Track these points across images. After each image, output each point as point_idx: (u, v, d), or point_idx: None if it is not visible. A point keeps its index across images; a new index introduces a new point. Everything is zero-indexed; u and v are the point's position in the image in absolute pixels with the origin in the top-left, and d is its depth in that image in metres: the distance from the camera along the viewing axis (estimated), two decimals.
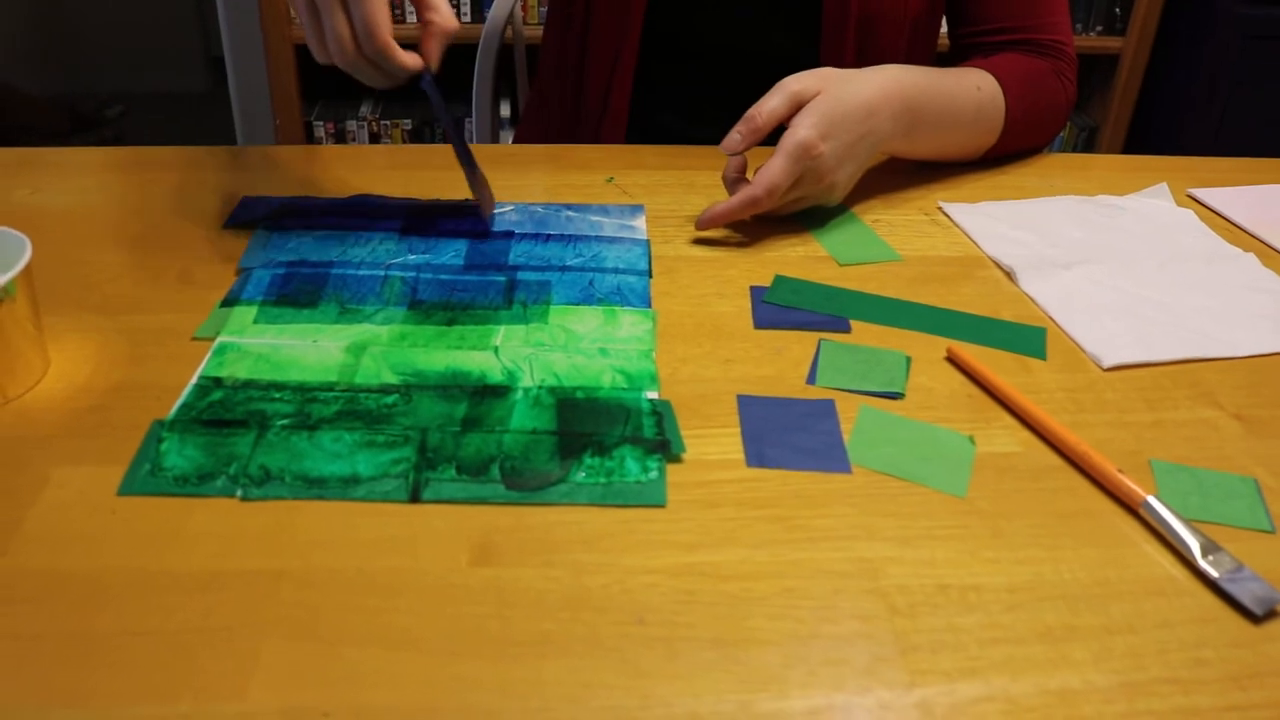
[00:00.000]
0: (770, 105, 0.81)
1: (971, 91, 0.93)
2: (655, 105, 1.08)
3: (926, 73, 0.90)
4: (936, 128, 0.91)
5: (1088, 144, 2.46)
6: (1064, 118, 1.03)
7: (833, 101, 0.81)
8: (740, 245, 0.82)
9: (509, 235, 0.81)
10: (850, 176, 0.85)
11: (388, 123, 2.28)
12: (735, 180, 0.84)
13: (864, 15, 0.99)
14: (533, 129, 1.20)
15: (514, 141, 1.25)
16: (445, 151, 0.97)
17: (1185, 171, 1.00)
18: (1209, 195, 0.95)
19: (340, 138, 2.29)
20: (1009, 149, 0.99)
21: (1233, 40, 2.10)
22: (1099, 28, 2.23)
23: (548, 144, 1.13)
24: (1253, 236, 0.89)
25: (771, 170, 0.79)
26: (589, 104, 1.07)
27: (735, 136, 0.81)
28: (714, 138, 0.84)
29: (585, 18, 1.04)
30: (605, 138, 1.07)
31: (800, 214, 0.87)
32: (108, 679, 0.44)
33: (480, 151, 0.98)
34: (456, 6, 2.11)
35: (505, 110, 2.02)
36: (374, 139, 2.28)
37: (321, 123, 2.27)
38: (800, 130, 0.79)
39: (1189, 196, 0.96)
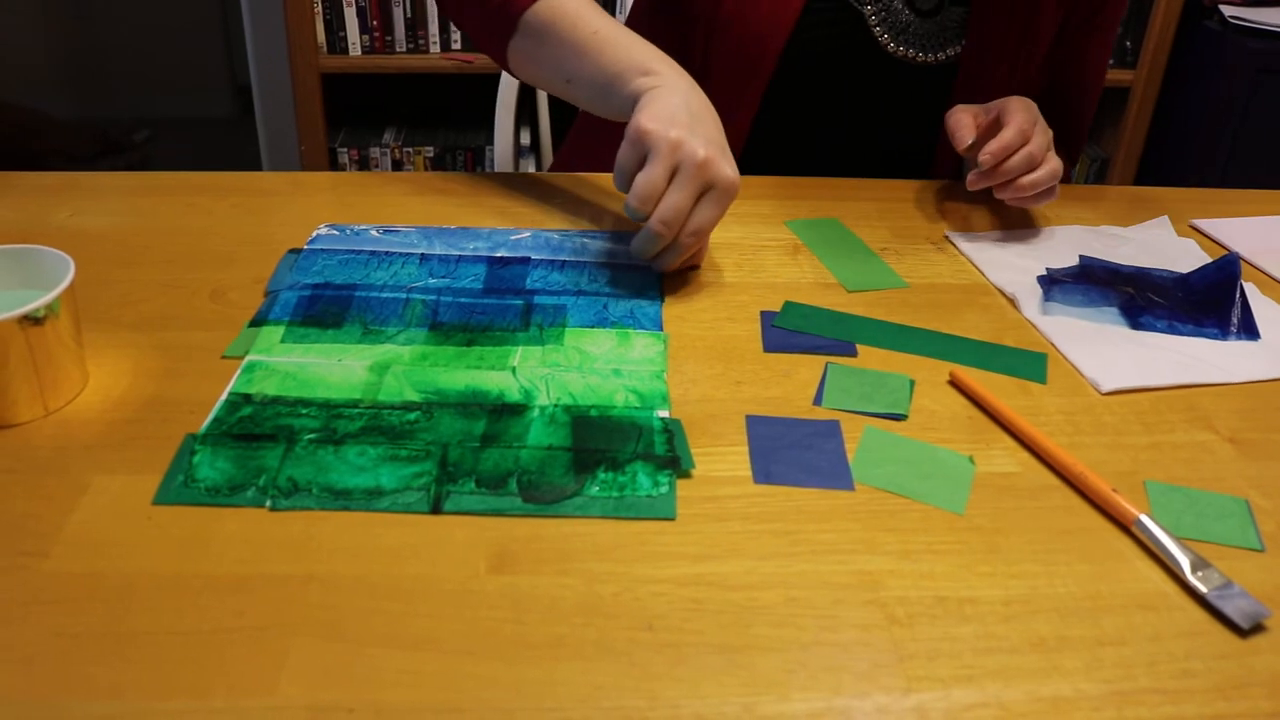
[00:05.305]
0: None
1: None
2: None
3: None
4: None
5: (1099, 175, 2.48)
6: None
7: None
8: (751, 272, 0.85)
9: (526, 261, 0.84)
10: None
11: (410, 150, 2.32)
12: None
13: None
14: (580, 154, 1.20)
15: (554, 161, 1.26)
16: (467, 178, 1.00)
17: (1191, 203, 1.02)
18: (1210, 226, 0.97)
19: (364, 164, 2.33)
20: None
21: (1243, 74, 2.12)
22: (1110, 61, 2.26)
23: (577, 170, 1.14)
24: (1252, 266, 0.91)
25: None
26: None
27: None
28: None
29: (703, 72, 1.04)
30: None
31: (811, 241, 0.89)
32: (144, 675, 0.47)
33: (502, 178, 1.01)
34: None
35: (525, 138, 2.05)
36: (397, 166, 2.33)
37: (345, 149, 2.31)
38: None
39: (1191, 227, 0.98)
